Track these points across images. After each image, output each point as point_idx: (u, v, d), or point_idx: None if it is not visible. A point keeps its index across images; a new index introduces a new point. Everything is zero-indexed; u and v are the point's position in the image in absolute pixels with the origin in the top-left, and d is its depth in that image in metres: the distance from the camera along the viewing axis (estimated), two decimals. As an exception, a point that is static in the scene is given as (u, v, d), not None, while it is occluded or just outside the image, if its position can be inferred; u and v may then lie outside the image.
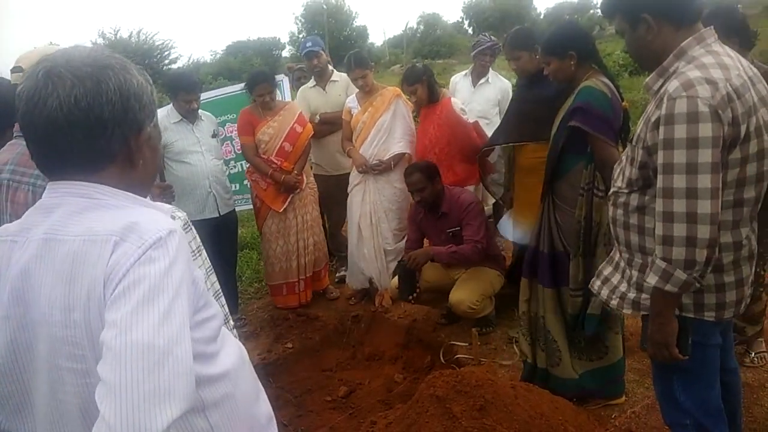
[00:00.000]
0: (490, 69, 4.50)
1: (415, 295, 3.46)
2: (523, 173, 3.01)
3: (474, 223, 3.33)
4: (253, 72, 4.17)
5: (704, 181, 1.41)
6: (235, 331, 1.51)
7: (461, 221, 3.36)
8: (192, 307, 0.92)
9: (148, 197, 1.09)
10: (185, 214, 1.39)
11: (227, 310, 1.49)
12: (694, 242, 1.44)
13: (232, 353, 1.09)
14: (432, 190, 3.33)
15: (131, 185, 0.99)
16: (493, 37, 4.55)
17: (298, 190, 3.97)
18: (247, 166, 4.12)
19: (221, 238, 3.77)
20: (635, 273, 1.70)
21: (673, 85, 1.47)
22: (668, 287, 1.49)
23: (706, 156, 1.40)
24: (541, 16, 49.87)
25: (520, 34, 2.96)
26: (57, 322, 0.88)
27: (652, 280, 1.53)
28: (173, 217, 1.31)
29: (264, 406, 1.21)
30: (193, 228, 1.40)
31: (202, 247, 1.44)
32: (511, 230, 3.16)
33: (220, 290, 1.50)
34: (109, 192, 0.94)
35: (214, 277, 1.47)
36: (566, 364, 2.64)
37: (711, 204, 1.42)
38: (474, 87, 4.47)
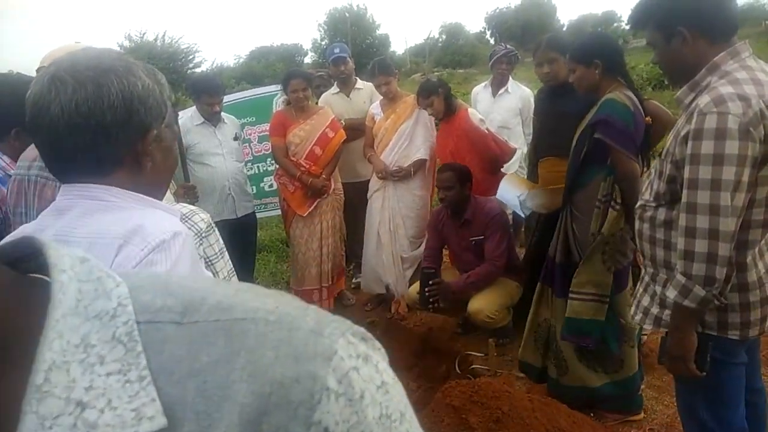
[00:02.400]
0: (510, 78, 4.48)
1: (436, 305, 3.42)
2: (545, 185, 3.00)
3: (495, 237, 3.29)
4: (289, 69, 4.19)
5: (726, 198, 1.40)
6: None
7: (485, 231, 3.34)
8: None
9: (171, 198, 1.09)
10: (209, 215, 1.39)
11: None
12: (714, 259, 1.42)
13: None
14: (459, 193, 3.32)
15: (142, 187, 0.97)
16: (509, 46, 4.54)
17: (325, 195, 3.98)
18: (276, 169, 4.14)
19: (239, 240, 3.79)
20: (659, 288, 1.68)
21: (704, 100, 1.45)
22: (687, 302, 1.49)
23: (730, 173, 1.39)
24: (564, 28, 49.69)
25: (558, 37, 2.98)
26: None
27: (671, 294, 1.52)
28: (195, 221, 1.31)
29: None
30: (216, 230, 1.40)
31: (225, 250, 1.43)
32: (518, 202, 3.11)
33: None
34: (120, 194, 0.93)
35: (235, 279, 1.48)
36: (574, 371, 2.64)
37: (731, 222, 1.40)
38: (494, 97, 4.46)
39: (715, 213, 1.41)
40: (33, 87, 0.90)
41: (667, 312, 1.64)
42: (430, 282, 3.27)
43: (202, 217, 1.32)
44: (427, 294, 3.27)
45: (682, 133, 1.50)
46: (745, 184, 1.40)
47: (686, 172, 1.46)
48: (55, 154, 0.92)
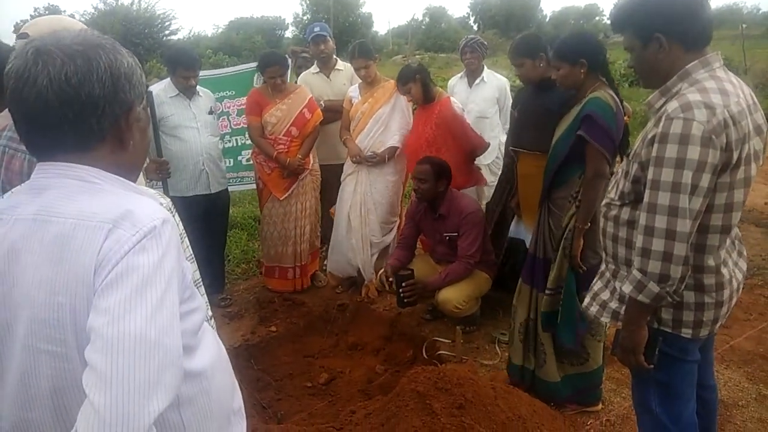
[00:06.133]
0: (485, 68, 4.49)
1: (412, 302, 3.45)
2: (522, 180, 3.04)
3: (470, 235, 3.32)
4: (267, 53, 4.10)
5: (685, 201, 1.45)
6: (213, 322, 1.50)
7: (458, 228, 3.37)
8: (179, 298, 0.92)
9: (142, 175, 1.09)
10: (168, 200, 1.36)
11: (206, 299, 1.48)
12: (670, 258, 1.48)
13: (211, 349, 1.09)
14: (433, 187, 3.33)
15: (121, 167, 0.98)
16: (471, 36, 4.53)
17: (302, 176, 3.96)
18: (252, 147, 4.10)
19: (211, 216, 3.77)
20: (619, 285, 1.73)
21: (672, 105, 1.50)
22: (641, 297, 1.55)
23: (690, 178, 1.44)
24: (547, 19, 49.84)
25: (525, 41, 2.94)
26: (41, 304, 0.87)
27: (627, 288, 1.58)
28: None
29: (237, 401, 1.21)
30: (176, 215, 1.38)
31: (185, 235, 1.42)
32: (525, 236, 3.17)
33: (200, 279, 1.48)
34: (103, 176, 0.94)
35: (194, 266, 1.46)
36: (550, 366, 2.69)
37: (688, 223, 1.46)
38: (470, 87, 4.46)
39: (674, 214, 1.46)
40: (14, 61, 0.90)
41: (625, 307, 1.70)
42: (404, 284, 3.30)
43: (161, 202, 1.30)
44: (402, 295, 3.30)
45: (649, 136, 1.55)
46: (704, 189, 1.46)
47: (649, 174, 1.52)
48: (38, 127, 0.92)
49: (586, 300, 1.91)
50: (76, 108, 0.90)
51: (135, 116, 0.99)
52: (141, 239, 0.85)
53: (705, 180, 1.45)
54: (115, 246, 0.84)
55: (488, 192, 4.20)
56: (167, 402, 0.82)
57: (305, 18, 39.59)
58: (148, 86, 3.46)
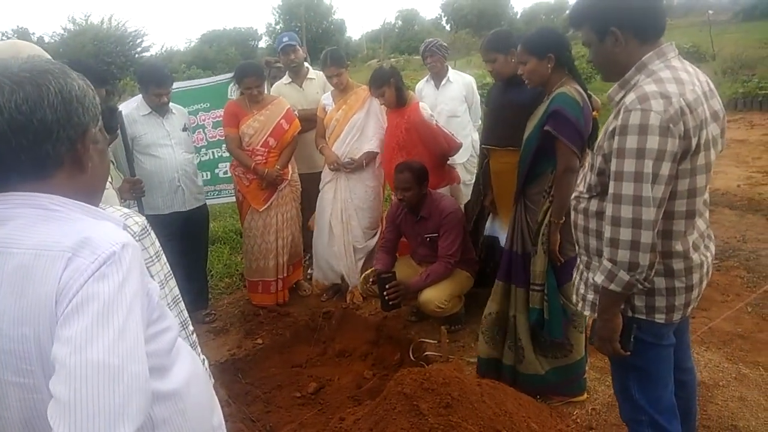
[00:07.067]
0: (449, 68, 4.54)
1: (397, 306, 3.47)
2: (496, 177, 3.07)
3: (450, 235, 3.35)
4: (243, 64, 4.08)
5: (648, 189, 1.49)
6: (195, 336, 1.49)
7: (439, 229, 3.40)
8: (145, 321, 0.92)
9: (116, 194, 1.08)
10: (144, 219, 1.35)
11: (186, 315, 1.47)
12: (638, 246, 1.52)
13: (185, 367, 1.08)
14: (417, 193, 3.36)
15: (82, 191, 0.97)
16: (430, 39, 4.58)
17: (281, 187, 3.96)
18: (231, 159, 4.09)
19: (191, 232, 3.75)
20: (591, 276, 1.77)
21: (630, 97, 1.54)
22: (612, 286, 1.58)
23: (651, 167, 1.48)
24: (518, 16, 50.31)
25: (497, 37, 2.97)
26: (6, 335, 0.86)
27: (598, 279, 1.62)
28: (129, 224, 1.29)
29: (216, 417, 1.20)
30: (152, 233, 1.37)
31: (162, 252, 1.41)
32: (502, 234, 3.20)
33: (179, 296, 1.47)
34: (62, 202, 0.93)
35: (173, 282, 1.44)
36: (529, 360, 2.72)
37: (653, 211, 1.50)
38: (438, 89, 4.50)
39: (638, 203, 1.50)
40: None
41: None
42: (387, 286, 3.32)
43: (136, 221, 1.28)
44: (386, 297, 3.32)
45: (610, 128, 1.59)
46: (665, 177, 1.50)
47: (612, 165, 1.55)
48: None
49: (574, 297, 1.95)
50: (30, 135, 0.89)
51: (91, 138, 0.98)
52: (100, 266, 0.85)
53: (666, 168, 1.49)
54: (74, 275, 0.84)
55: (465, 191, 4.24)
56: (134, 428, 0.81)
57: (278, 28, 39.55)
58: (118, 105, 3.44)
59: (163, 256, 1.39)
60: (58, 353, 0.81)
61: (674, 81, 1.53)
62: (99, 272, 0.85)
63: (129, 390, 0.81)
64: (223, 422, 1.24)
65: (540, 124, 2.51)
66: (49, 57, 1.04)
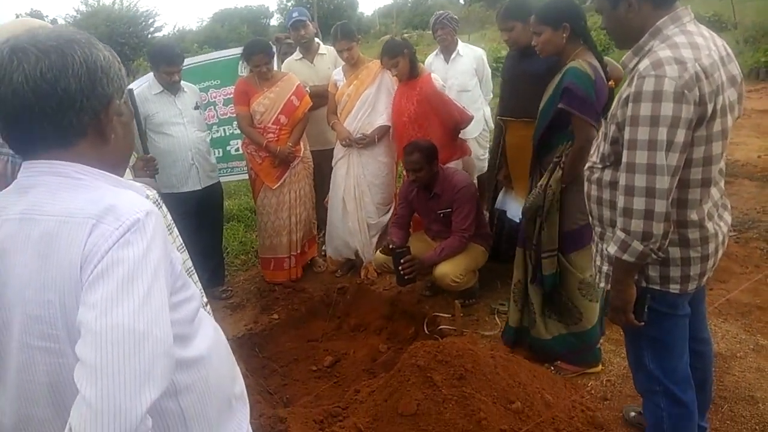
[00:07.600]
0: (459, 41, 4.45)
1: (412, 280, 3.47)
2: (512, 150, 3.04)
3: (464, 209, 3.33)
4: (251, 41, 4.02)
5: (662, 157, 1.46)
6: (210, 310, 1.52)
7: (452, 204, 3.38)
8: (169, 288, 0.93)
9: (128, 172, 1.09)
10: (155, 192, 1.37)
11: (201, 287, 1.49)
12: (651, 215, 1.50)
13: (208, 336, 1.10)
14: (429, 172, 3.33)
15: (105, 162, 0.98)
16: (440, 12, 4.49)
17: (294, 164, 3.96)
18: (243, 137, 4.09)
19: (205, 210, 3.77)
20: (605, 246, 1.75)
21: (644, 63, 1.50)
22: (626, 257, 1.57)
23: (665, 134, 1.45)
24: (533, -13, 49.01)
25: (515, 4, 2.92)
26: (31, 301, 0.88)
27: (611, 249, 1.60)
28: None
29: (238, 386, 1.22)
30: (163, 206, 1.39)
31: (174, 225, 1.43)
32: (512, 207, 3.18)
33: (193, 268, 1.49)
34: (86, 171, 0.94)
35: (186, 255, 1.47)
36: (539, 325, 2.77)
37: (667, 180, 1.47)
38: (447, 63, 4.42)
39: (652, 172, 1.47)
40: None
41: None
42: (402, 261, 3.32)
43: (147, 194, 1.30)
44: (402, 272, 3.32)
45: (624, 96, 1.55)
46: (680, 144, 1.46)
47: (626, 134, 1.52)
48: (18, 125, 0.92)
49: (593, 269, 1.94)
50: (54, 103, 0.90)
51: (115, 110, 0.99)
52: (125, 233, 0.86)
53: (680, 135, 1.46)
54: (99, 241, 0.85)
55: (479, 165, 4.20)
56: (159, 392, 0.83)
57: (290, 4, 39.08)
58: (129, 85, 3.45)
59: (175, 229, 1.40)
60: (84, 317, 0.82)
61: (689, 46, 1.49)
62: (124, 239, 0.86)
63: (154, 354, 0.83)
64: (245, 392, 1.25)
65: (553, 99, 2.47)
66: None
